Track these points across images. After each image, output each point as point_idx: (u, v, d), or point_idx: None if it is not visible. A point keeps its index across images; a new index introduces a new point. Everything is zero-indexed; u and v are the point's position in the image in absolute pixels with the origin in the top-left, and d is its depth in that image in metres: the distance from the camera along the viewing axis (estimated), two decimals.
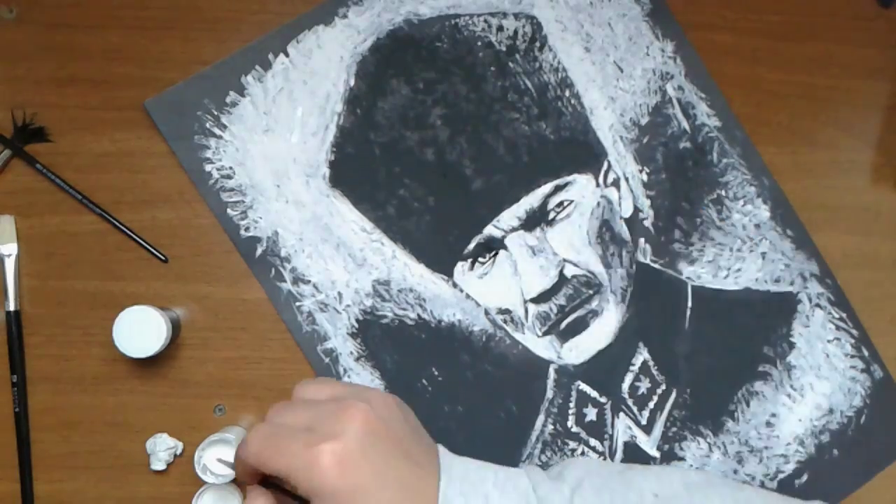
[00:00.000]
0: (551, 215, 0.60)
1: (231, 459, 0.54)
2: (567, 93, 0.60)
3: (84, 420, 0.58)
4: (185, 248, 0.58)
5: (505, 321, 0.59)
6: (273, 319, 0.58)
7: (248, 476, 0.44)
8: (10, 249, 0.57)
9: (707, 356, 0.61)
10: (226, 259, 0.58)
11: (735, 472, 0.61)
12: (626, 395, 0.60)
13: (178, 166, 0.58)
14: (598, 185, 0.60)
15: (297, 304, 0.58)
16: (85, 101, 0.58)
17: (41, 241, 0.58)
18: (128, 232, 0.58)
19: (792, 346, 0.62)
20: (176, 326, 0.57)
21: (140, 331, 0.54)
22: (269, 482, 0.44)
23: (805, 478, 0.62)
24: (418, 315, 0.59)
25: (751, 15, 0.62)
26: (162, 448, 0.57)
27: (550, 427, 0.60)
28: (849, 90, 0.63)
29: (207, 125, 0.57)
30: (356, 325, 0.58)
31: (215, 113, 0.57)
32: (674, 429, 0.61)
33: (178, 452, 0.58)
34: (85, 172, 0.58)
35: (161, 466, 0.57)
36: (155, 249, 0.58)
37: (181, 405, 0.58)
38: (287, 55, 0.58)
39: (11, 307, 0.57)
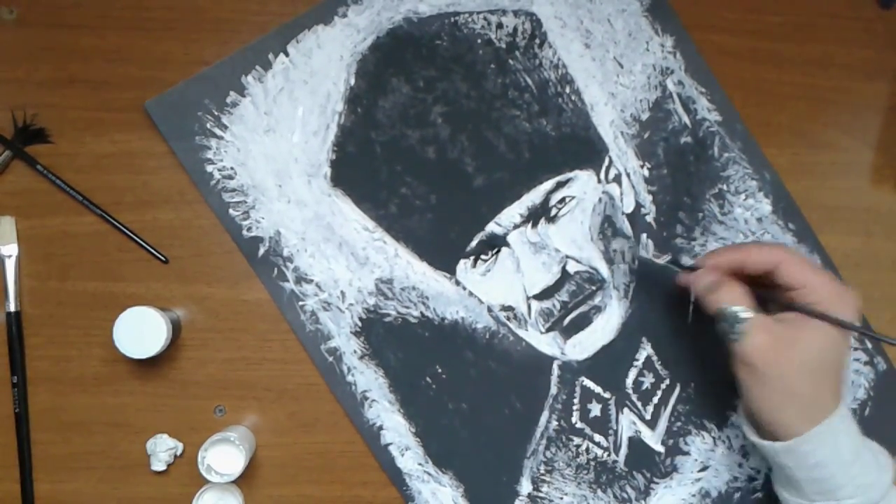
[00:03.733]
0: (553, 212, 0.60)
1: (234, 460, 0.55)
2: (567, 89, 0.60)
3: (84, 420, 0.58)
4: (185, 248, 0.58)
5: (508, 318, 0.59)
6: (273, 320, 0.58)
7: (723, 267, 0.53)
8: (11, 250, 0.57)
9: (710, 350, 0.60)
10: (226, 260, 0.58)
11: (740, 465, 0.61)
12: (630, 391, 0.60)
13: (178, 167, 0.58)
14: (599, 181, 0.60)
15: (301, 303, 0.58)
16: (85, 102, 0.58)
17: (41, 242, 0.58)
18: (128, 233, 0.58)
19: None
20: (176, 327, 0.57)
21: (140, 331, 0.54)
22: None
23: None
24: (421, 313, 0.59)
25: (751, 15, 0.63)
26: (162, 449, 0.57)
27: (555, 423, 0.60)
28: (849, 90, 0.63)
29: (208, 126, 0.57)
30: (359, 323, 0.58)
31: (216, 113, 0.57)
32: (678, 423, 0.61)
33: (179, 453, 0.58)
34: (85, 173, 0.58)
35: (161, 467, 0.57)
36: (155, 250, 0.58)
37: (181, 406, 0.58)
38: (287, 55, 0.58)
39: (12, 308, 0.57)
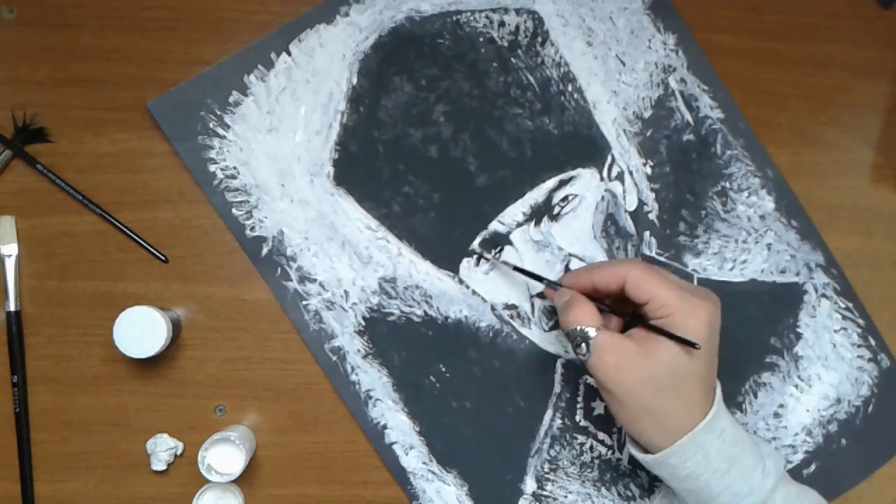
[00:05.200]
0: (556, 210, 0.60)
1: (234, 459, 0.55)
2: (570, 87, 0.60)
3: (84, 420, 0.58)
4: (185, 248, 0.58)
5: (511, 316, 0.59)
6: (274, 320, 0.58)
7: (579, 286, 0.53)
8: (11, 250, 0.57)
9: None
10: (226, 259, 0.58)
11: None
12: None
13: (178, 166, 0.58)
14: (602, 178, 0.60)
15: (304, 302, 0.58)
16: (85, 102, 0.58)
17: (41, 242, 0.58)
18: (128, 232, 0.58)
19: (799, 336, 0.62)
20: (176, 327, 0.57)
21: (140, 331, 0.54)
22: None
23: (813, 468, 0.62)
24: (425, 312, 0.59)
25: (751, 15, 0.62)
26: (162, 448, 0.57)
27: (559, 421, 0.60)
28: (849, 90, 0.63)
29: (211, 125, 0.57)
30: (363, 322, 0.58)
31: (218, 113, 0.57)
32: None
33: (179, 453, 0.58)
34: (85, 173, 0.58)
35: (161, 467, 0.57)
36: (155, 250, 0.58)
37: (181, 405, 0.58)
38: (289, 54, 0.58)
39: (12, 307, 0.57)
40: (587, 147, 0.60)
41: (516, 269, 0.57)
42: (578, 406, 0.60)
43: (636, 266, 0.50)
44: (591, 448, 0.60)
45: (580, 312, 0.50)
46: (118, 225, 0.58)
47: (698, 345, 0.47)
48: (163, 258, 0.58)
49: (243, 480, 0.58)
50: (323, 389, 0.59)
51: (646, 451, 0.51)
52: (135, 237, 0.58)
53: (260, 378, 0.59)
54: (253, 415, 0.59)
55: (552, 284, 0.54)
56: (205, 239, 0.58)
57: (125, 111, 0.58)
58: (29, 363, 0.58)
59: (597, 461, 0.60)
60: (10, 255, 0.57)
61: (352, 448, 0.59)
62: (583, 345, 0.50)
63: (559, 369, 0.60)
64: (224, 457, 0.55)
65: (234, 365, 0.58)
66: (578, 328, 0.50)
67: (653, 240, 0.61)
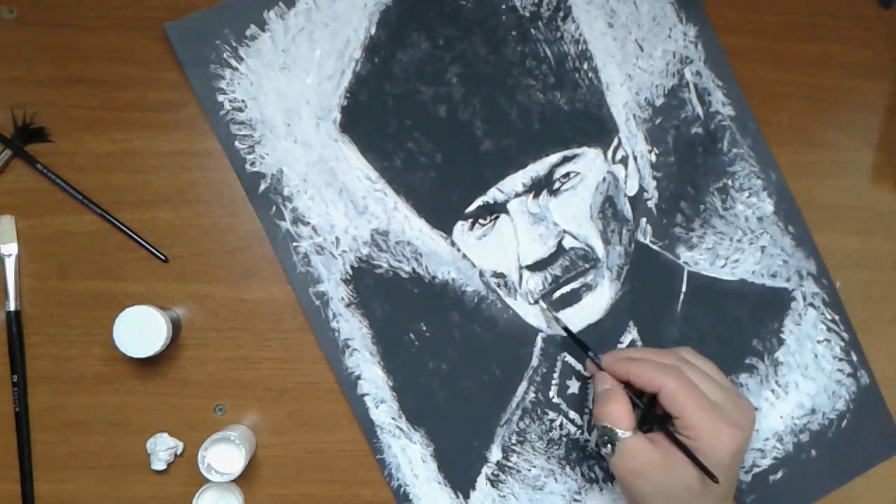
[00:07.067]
0: (556, 185, 0.60)
1: (234, 459, 0.55)
2: (585, 65, 0.60)
3: (84, 420, 0.57)
4: (185, 248, 0.58)
5: (498, 285, 0.59)
6: (273, 320, 0.58)
7: (618, 374, 0.53)
8: (11, 249, 0.57)
9: (695, 343, 0.60)
10: (226, 259, 0.58)
11: None
12: None
13: (178, 166, 0.58)
14: (606, 160, 0.60)
15: (294, 244, 0.58)
16: (85, 101, 0.57)
17: (41, 241, 0.57)
18: (128, 232, 0.57)
19: (781, 342, 0.62)
20: (176, 326, 0.56)
21: (140, 331, 0.54)
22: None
23: (780, 475, 0.62)
24: (413, 269, 0.59)
25: (751, 15, 0.62)
26: (162, 448, 0.57)
27: (532, 395, 0.60)
28: (849, 90, 0.63)
29: (225, 55, 0.57)
30: (350, 271, 0.58)
31: (234, 44, 0.57)
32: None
33: (179, 452, 0.58)
34: (85, 172, 0.57)
35: (161, 466, 0.57)
36: (155, 249, 0.58)
37: (181, 405, 0.58)
38: None
39: (12, 307, 0.57)
40: (595, 127, 0.60)
41: (567, 331, 0.58)
42: (553, 382, 0.60)
43: (675, 377, 0.50)
44: (561, 426, 0.60)
45: (616, 410, 0.51)
46: (118, 225, 0.57)
47: (718, 479, 0.48)
48: (163, 258, 0.58)
49: (243, 480, 0.58)
50: (323, 389, 0.59)
51: None
52: (135, 237, 0.57)
53: (260, 378, 0.58)
54: (253, 414, 0.58)
55: (593, 358, 0.56)
56: (205, 239, 0.58)
57: (125, 111, 0.57)
58: (29, 363, 0.57)
59: (565, 439, 0.60)
60: (10, 255, 0.57)
61: (351, 448, 0.59)
62: (609, 445, 0.51)
63: (539, 343, 0.60)
64: (224, 456, 0.55)
65: (233, 365, 0.58)
66: (609, 426, 0.51)
67: (648, 227, 0.61)
